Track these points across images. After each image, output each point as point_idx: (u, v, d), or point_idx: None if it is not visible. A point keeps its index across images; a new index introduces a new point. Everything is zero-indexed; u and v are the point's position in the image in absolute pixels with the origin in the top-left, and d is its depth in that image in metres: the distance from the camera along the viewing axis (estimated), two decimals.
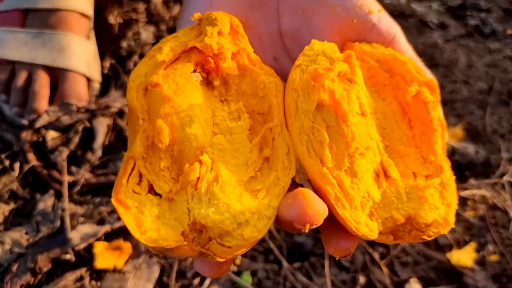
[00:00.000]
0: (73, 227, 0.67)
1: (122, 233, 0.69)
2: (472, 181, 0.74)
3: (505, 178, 0.73)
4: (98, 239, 0.67)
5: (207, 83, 0.37)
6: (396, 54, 0.38)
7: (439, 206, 0.34)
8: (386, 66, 0.38)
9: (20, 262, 0.64)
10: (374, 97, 0.38)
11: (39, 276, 0.64)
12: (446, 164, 0.36)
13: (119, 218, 0.69)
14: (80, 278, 0.64)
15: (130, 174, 0.32)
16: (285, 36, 0.41)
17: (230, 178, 0.33)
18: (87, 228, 0.67)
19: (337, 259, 0.37)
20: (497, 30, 0.97)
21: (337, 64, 0.35)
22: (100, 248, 0.66)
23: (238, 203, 0.32)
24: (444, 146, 0.37)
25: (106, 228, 0.68)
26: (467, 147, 0.78)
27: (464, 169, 0.77)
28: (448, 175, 0.36)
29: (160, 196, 0.33)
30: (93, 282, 0.64)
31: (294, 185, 0.34)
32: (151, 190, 0.33)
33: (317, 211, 0.30)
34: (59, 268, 0.65)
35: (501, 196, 0.73)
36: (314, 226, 0.30)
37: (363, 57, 0.39)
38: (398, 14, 0.97)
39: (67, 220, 0.67)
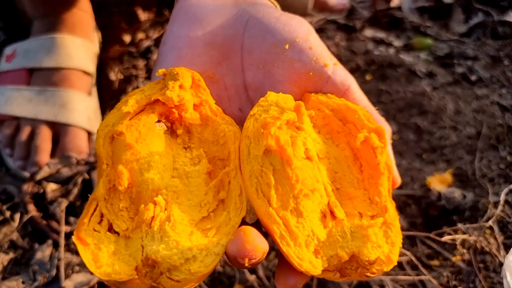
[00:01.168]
0: (67, 276, 0.69)
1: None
2: (460, 225, 0.75)
3: (490, 222, 0.74)
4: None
5: (171, 132, 0.41)
6: (348, 104, 0.41)
7: (382, 244, 0.36)
8: (340, 115, 0.41)
9: None
10: (328, 143, 0.41)
11: None
12: (391, 205, 0.38)
13: None
14: None
15: (92, 214, 0.36)
16: (249, 88, 0.44)
17: (182, 217, 0.36)
18: (81, 277, 0.69)
19: None
20: (484, 76, 1.00)
21: (286, 113, 0.38)
22: None
23: (188, 240, 0.35)
24: (390, 188, 0.39)
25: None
26: (454, 191, 0.80)
27: (451, 213, 0.78)
28: (393, 216, 0.38)
29: (118, 234, 0.36)
30: None
31: (245, 224, 0.37)
32: (111, 229, 0.36)
33: (256, 246, 0.32)
34: None
35: (489, 240, 0.73)
36: (255, 261, 0.32)
37: (319, 106, 0.42)
38: (387, 64, 1.01)
39: (62, 269, 0.69)
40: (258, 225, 0.37)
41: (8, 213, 0.76)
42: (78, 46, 0.87)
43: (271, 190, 0.36)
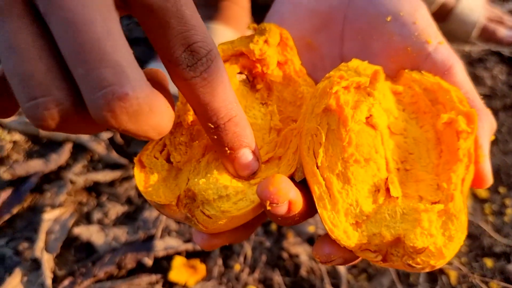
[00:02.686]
0: (162, 237, 0.75)
1: (202, 256, 0.74)
2: None
3: None
4: (179, 254, 0.73)
5: (252, 85, 0.41)
6: (441, 83, 0.37)
7: (435, 234, 0.32)
8: (431, 95, 0.38)
9: (113, 255, 0.73)
10: (411, 122, 0.38)
11: (123, 271, 0.72)
12: (460, 196, 0.33)
13: None
14: (153, 283, 0.70)
15: (157, 143, 0.38)
16: (345, 60, 0.42)
17: None
18: (172, 242, 0.74)
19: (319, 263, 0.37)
20: None
21: (357, 76, 0.36)
22: (178, 262, 0.72)
23: (229, 182, 0.35)
24: (468, 179, 0.34)
25: (189, 246, 0.73)
26: None
27: None
28: (458, 207, 0.33)
29: (173, 164, 0.37)
30: None
31: (293, 181, 0.35)
32: (168, 159, 0.38)
33: (279, 190, 0.30)
34: (140, 269, 0.73)
35: None
36: (279, 209, 0.31)
37: (411, 84, 0.39)
38: None
39: (159, 230, 0.75)
40: (306, 184, 0.35)
41: (132, 171, 0.85)
42: (228, 36, 0.93)
43: (321, 148, 0.34)
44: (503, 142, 0.86)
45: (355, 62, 0.37)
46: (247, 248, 0.74)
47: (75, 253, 0.76)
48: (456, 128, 0.35)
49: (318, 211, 0.33)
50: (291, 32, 0.42)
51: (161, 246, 0.73)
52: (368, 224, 0.34)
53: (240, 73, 0.41)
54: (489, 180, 0.37)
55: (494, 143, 0.86)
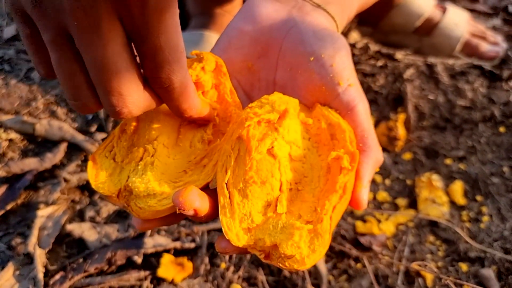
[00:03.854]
0: (151, 235, 0.77)
1: (190, 254, 0.77)
2: None
3: None
4: (168, 251, 0.76)
5: None
6: (341, 123, 0.46)
7: (302, 247, 0.40)
8: (332, 130, 0.46)
9: (103, 251, 0.76)
10: (312, 150, 0.46)
11: (112, 267, 0.74)
12: (328, 220, 0.42)
13: (192, 240, 0.77)
14: (142, 279, 0.73)
15: (108, 144, 0.47)
16: (276, 85, 0.51)
17: (164, 167, 0.45)
18: (162, 239, 0.77)
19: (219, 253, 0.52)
20: None
21: (268, 113, 0.43)
22: (166, 259, 0.75)
23: (158, 184, 0.44)
24: (339, 207, 0.42)
25: (177, 244, 0.76)
26: None
27: None
28: (325, 228, 0.41)
29: (117, 163, 0.46)
30: (150, 286, 0.72)
31: (208, 188, 0.45)
32: (115, 158, 0.47)
33: (186, 201, 0.39)
34: (130, 265, 0.75)
35: None
36: (186, 212, 0.40)
37: (319, 117, 0.47)
38: None
39: None
40: (215, 192, 0.44)
41: None
42: None
43: (230, 168, 0.43)
44: (481, 152, 0.90)
45: (274, 96, 0.45)
46: None
47: (67, 249, 0.78)
48: (340, 164, 0.43)
49: (220, 216, 0.42)
50: (235, 55, 0.50)
51: (150, 243, 0.76)
52: (256, 230, 0.42)
53: None
54: (363, 205, 0.45)
55: (473, 153, 0.90)
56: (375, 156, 0.46)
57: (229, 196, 0.42)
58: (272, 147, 0.44)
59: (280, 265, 0.41)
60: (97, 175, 0.45)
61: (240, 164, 0.43)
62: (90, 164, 0.46)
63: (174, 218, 0.46)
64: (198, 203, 0.40)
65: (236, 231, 0.42)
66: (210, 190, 0.44)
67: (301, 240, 0.41)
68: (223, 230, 0.42)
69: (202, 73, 0.47)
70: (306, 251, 0.41)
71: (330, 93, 0.47)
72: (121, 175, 0.45)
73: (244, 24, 0.51)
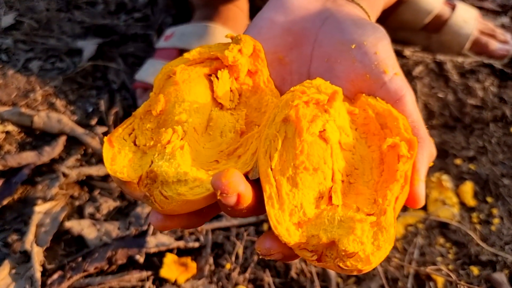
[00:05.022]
0: (154, 234, 0.75)
1: (194, 254, 0.74)
2: None
3: None
4: (170, 251, 0.73)
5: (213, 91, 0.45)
6: (392, 110, 0.41)
7: (366, 242, 0.35)
8: (382, 119, 0.42)
9: (103, 250, 0.73)
10: (360, 141, 0.42)
11: (113, 266, 0.72)
12: (391, 211, 0.37)
13: (196, 239, 0.75)
14: (144, 280, 0.70)
15: (127, 126, 0.41)
16: (311, 77, 0.46)
17: (196, 153, 0.40)
18: (164, 239, 0.74)
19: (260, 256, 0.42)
20: None
21: (315, 94, 0.39)
22: (169, 259, 0.72)
23: (190, 169, 0.38)
24: (401, 198, 0.38)
25: (180, 244, 0.74)
26: None
27: None
28: (389, 221, 0.36)
29: (139, 147, 0.41)
30: (153, 287, 0.70)
31: (247, 178, 0.38)
32: (135, 142, 0.41)
33: (230, 183, 0.34)
34: (131, 265, 0.73)
35: None
36: (229, 198, 0.34)
37: (365, 107, 0.43)
38: None
39: (152, 227, 0.75)
40: (259, 183, 0.38)
41: None
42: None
43: (276, 153, 0.37)
44: (492, 153, 0.88)
45: (318, 81, 0.41)
46: (239, 248, 0.74)
47: (65, 247, 0.75)
48: (398, 152, 0.39)
49: (266, 208, 0.36)
50: (265, 46, 0.46)
51: (152, 242, 0.73)
52: (308, 225, 0.37)
53: (210, 75, 0.45)
54: (421, 201, 0.40)
55: (483, 153, 0.88)
56: (428, 149, 0.42)
57: (276, 185, 0.37)
58: (324, 129, 0.39)
59: (340, 265, 0.35)
60: (114, 158, 0.39)
61: (288, 148, 0.38)
62: (106, 146, 0.40)
63: (200, 216, 0.41)
64: (243, 186, 0.35)
65: (286, 225, 0.36)
66: (250, 182, 0.38)
67: (363, 234, 0.36)
68: (271, 224, 0.36)
69: (239, 55, 0.43)
70: (370, 247, 0.35)
71: (375, 81, 0.43)
72: (143, 160, 0.39)
73: (275, 14, 0.48)
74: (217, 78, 0.43)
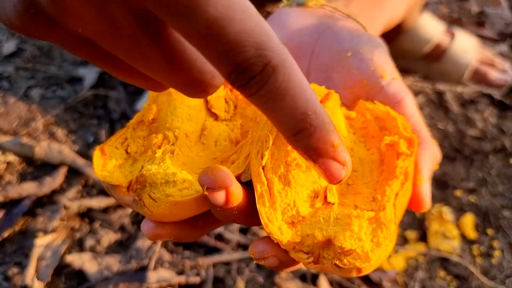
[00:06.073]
0: (155, 268, 0.74)
1: None
2: None
3: None
4: (172, 286, 0.73)
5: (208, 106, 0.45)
6: (389, 111, 0.41)
7: (364, 239, 0.34)
8: (381, 122, 0.41)
9: (104, 284, 0.73)
10: (359, 145, 0.41)
11: None
12: (391, 207, 0.35)
13: (197, 274, 0.75)
14: None
15: (120, 136, 0.41)
16: None
17: (186, 158, 0.39)
18: (166, 273, 0.74)
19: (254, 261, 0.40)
20: None
21: None
22: None
23: (178, 171, 0.37)
24: (400, 194, 0.36)
25: (182, 279, 0.73)
26: None
27: None
28: (389, 217, 0.35)
29: (130, 154, 0.40)
30: None
31: (239, 181, 0.36)
32: (127, 150, 0.41)
33: (217, 178, 0.32)
34: None
35: None
36: (217, 195, 0.32)
37: (363, 112, 0.42)
38: None
39: (153, 261, 0.75)
40: (251, 185, 0.37)
41: None
42: None
43: (267, 151, 0.36)
44: (492, 185, 0.88)
45: (313, 86, 0.40)
46: (240, 283, 0.74)
47: (66, 281, 0.75)
48: (397, 150, 0.38)
49: (257, 207, 0.35)
50: None
51: (154, 277, 0.73)
52: (303, 225, 0.35)
53: None
54: (427, 203, 0.39)
55: (483, 185, 0.88)
56: (432, 150, 0.41)
57: (268, 184, 0.35)
58: None
59: (337, 263, 0.33)
60: (105, 165, 0.38)
61: (279, 145, 0.36)
62: (97, 153, 0.39)
63: (195, 228, 0.39)
64: (230, 181, 0.33)
65: (278, 224, 0.35)
66: (243, 185, 0.36)
67: (361, 230, 0.34)
68: (262, 222, 0.34)
69: None
70: (369, 244, 0.34)
71: (372, 86, 0.43)
72: (134, 166, 0.39)
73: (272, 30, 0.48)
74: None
